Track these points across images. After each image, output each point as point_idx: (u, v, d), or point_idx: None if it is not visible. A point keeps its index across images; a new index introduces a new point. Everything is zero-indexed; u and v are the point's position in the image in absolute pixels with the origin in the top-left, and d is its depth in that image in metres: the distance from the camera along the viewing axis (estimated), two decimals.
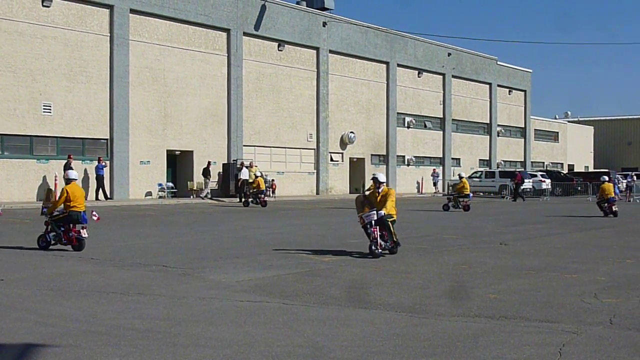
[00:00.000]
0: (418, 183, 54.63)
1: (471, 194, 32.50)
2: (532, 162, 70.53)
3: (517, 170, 52.10)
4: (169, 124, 37.90)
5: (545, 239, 19.66)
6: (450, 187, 35.03)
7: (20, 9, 32.04)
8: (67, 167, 32.72)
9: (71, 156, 33.21)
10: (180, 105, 38.36)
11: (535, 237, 19.94)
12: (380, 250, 14.30)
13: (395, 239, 14.61)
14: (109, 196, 34.41)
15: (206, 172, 38.18)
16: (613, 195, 29.70)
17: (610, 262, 14.40)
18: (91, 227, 21.28)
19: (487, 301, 9.86)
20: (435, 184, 53.90)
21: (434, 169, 54.58)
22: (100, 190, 34.04)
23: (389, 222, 14.38)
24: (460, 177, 32.63)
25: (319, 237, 18.89)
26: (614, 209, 29.35)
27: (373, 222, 14.19)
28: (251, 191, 34.09)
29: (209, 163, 38.57)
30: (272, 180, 40.95)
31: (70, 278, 11.41)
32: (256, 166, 38.33)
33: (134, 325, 8.14)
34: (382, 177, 15.13)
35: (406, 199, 46.52)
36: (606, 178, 31.01)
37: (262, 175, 35.12)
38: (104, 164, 34.32)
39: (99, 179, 34.07)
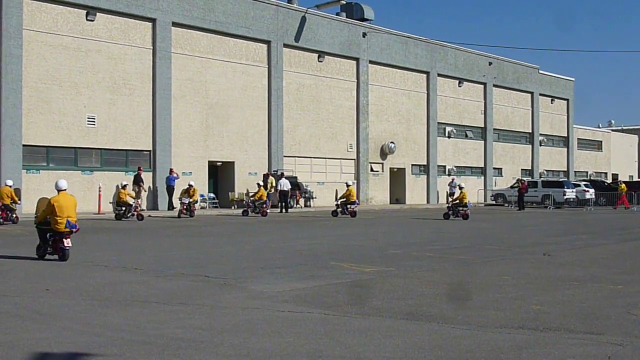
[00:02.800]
0: (437, 192, 52.97)
1: (357, 201, 34.65)
2: (575, 171, 69.66)
3: (521, 179, 51.37)
4: (211, 136, 38.22)
5: (589, 249, 19.38)
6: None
7: (65, 23, 32.62)
8: (138, 178, 33.49)
9: (141, 168, 34.48)
10: (221, 116, 38.68)
11: (579, 248, 19.67)
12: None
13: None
14: (173, 206, 35.07)
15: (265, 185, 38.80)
16: (467, 200, 32.88)
17: None
18: (134, 239, 21.57)
19: (531, 312, 9.75)
20: (452, 194, 50.37)
21: (452, 179, 52.03)
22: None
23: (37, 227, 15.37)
24: (348, 185, 34.51)
25: (360, 248, 18.86)
26: (468, 213, 32.50)
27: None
28: (252, 200, 34.57)
29: (264, 175, 39.27)
30: (293, 190, 39.41)
31: (113, 288, 11.55)
32: (273, 176, 38.89)
33: (176, 335, 8.20)
34: (60, 185, 15.50)
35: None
36: (463, 185, 34.51)
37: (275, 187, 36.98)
38: (175, 175, 34.90)
39: (170, 190, 34.98)
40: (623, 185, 49.40)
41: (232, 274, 13.19)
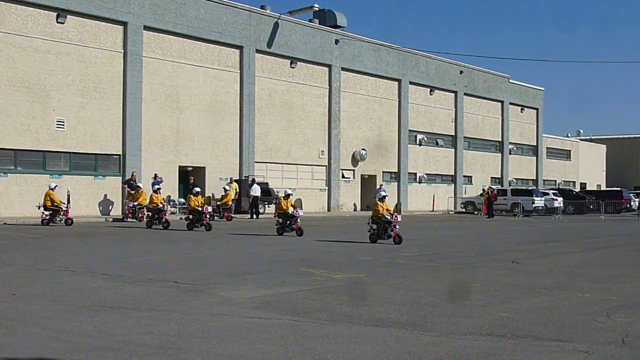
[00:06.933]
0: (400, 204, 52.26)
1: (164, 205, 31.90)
2: (544, 180, 70.33)
3: (490, 187, 51.91)
4: (181, 140, 38.05)
5: (557, 257, 19.56)
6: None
7: (35, 25, 32.32)
8: (130, 182, 33.34)
9: (134, 173, 34.47)
10: (192, 121, 38.53)
11: (547, 256, 19.85)
12: None
13: None
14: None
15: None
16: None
17: (622, 281, 14.32)
18: (103, 243, 21.41)
19: (499, 320, 9.82)
20: (381, 199, 48.99)
21: (380, 185, 49.84)
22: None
23: None
24: (137, 187, 33.18)
25: (330, 254, 18.86)
26: (230, 215, 33.99)
27: None
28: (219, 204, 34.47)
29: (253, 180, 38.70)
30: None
31: (81, 293, 11.44)
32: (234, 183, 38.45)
33: (145, 341, 8.14)
34: None
35: (418, 216, 46.45)
36: (227, 188, 34.87)
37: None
38: (160, 179, 34.74)
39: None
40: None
41: (202, 280, 13.13)
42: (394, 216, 22.18)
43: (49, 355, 7.43)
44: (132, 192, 33.18)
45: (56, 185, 29.56)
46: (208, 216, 27.09)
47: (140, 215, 32.18)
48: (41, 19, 32.57)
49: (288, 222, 24.67)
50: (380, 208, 22.60)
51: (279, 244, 21.69)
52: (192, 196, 27.41)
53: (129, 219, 32.33)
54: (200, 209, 26.81)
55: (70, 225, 28.09)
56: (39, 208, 28.62)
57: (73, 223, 28.56)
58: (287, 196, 25.21)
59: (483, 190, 51.77)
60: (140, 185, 33.50)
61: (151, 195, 29.55)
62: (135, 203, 32.57)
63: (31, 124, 32.30)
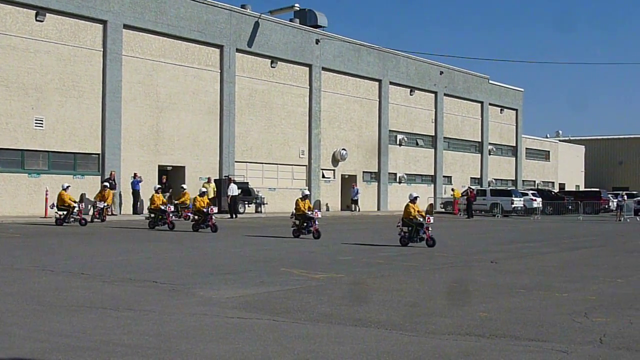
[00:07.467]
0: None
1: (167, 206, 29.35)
2: (523, 180, 70.69)
3: (470, 187, 52.24)
4: (161, 140, 37.87)
5: (536, 257, 19.67)
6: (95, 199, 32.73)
7: (14, 23, 32.05)
8: (108, 181, 32.96)
9: (113, 172, 34.52)
10: (172, 120, 38.36)
11: (526, 256, 19.96)
12: None
13: None
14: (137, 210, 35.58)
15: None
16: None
17: (600, 281, 14.42)
18: (83, 243, 21.27)
19: (478, 319, 9.86)
20: (355, 201, 48.85)
21: (353, 184, 49.46)
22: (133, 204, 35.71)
23: None
24: (105, 187, 31.99)
25: (310, 254, 18.86)
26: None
27: None
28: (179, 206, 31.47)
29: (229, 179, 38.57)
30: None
31: (59, 293, 11.36)
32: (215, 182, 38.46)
33: (123, 341, 8.10)
34: None
35: (398, 216, 46.47)
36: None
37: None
38: (139, 178, 34.62)
39: (135, 194, 35.12)
40: (457, 192, 50.75)
41: (181, 280, 13.08)
42: (426, 218, 21.30)
43: (26, 356, 7.37)
44: (101, 191, 32.40)
45: (69, 186, 29.40)
46: (214, 217, 26.42)
47: (105, 215, 31.40)
48: (20, 17, 32.30)
49: (305, 224, 23.94)
50: (412, 210, 21.38)
51: (258, 244, 21.65)
52: (197, 197, 26.99)
53: (95, 220, 30.74)
54: (205, 210, 26.27)
55: (84, 226, 27.96)
56: (51, 208, 28.78)
57: (87, 223, 28.49)
58: (304, 197, 24.44)
59: (453, 190, 52.22)
60: (107, 184, 32.94)
61: (152, 195, 28.99)
62: (105, 204, 31.73)
63: (9, 122, 32.03)
